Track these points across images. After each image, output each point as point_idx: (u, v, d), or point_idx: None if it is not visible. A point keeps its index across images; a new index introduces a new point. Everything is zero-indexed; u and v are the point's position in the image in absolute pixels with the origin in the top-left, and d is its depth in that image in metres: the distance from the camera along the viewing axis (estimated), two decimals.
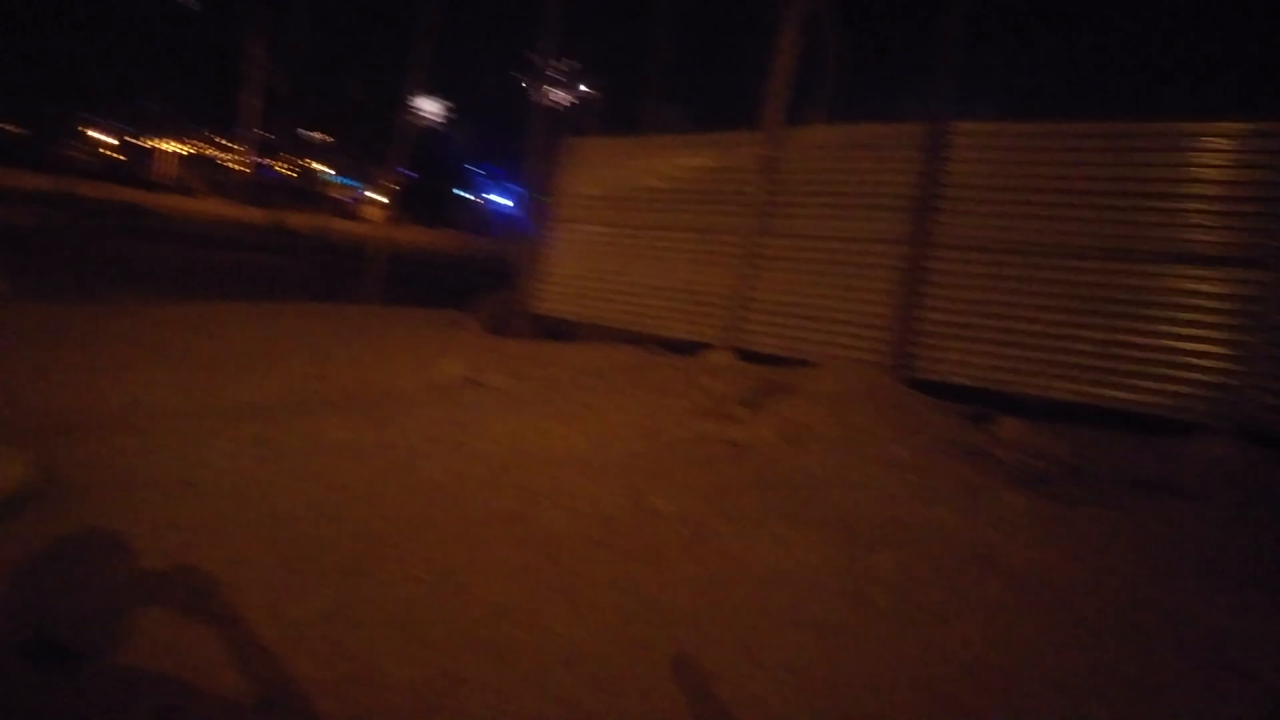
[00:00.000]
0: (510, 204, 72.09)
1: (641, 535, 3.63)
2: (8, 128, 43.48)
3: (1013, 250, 6.68)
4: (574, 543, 3.50)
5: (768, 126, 8.13)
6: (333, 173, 48.53)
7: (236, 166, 55.64)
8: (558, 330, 10.15)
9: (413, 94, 12.55)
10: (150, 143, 63.89)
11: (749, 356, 7.78)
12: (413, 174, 13.35)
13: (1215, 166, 6.04)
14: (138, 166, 61.76)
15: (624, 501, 4.01)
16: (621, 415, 5.44)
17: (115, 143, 58.72)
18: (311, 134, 42.88)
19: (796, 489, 4.32)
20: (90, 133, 46.93)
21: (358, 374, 6.64)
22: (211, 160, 71.57)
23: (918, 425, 5.40)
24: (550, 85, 11.29)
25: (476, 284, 12.30)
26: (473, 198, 71.15)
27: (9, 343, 6.44)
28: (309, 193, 45.75)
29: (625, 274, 9.17)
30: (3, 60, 24.35)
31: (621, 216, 9.28)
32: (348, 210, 50.65)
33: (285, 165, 38.49)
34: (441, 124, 52.08)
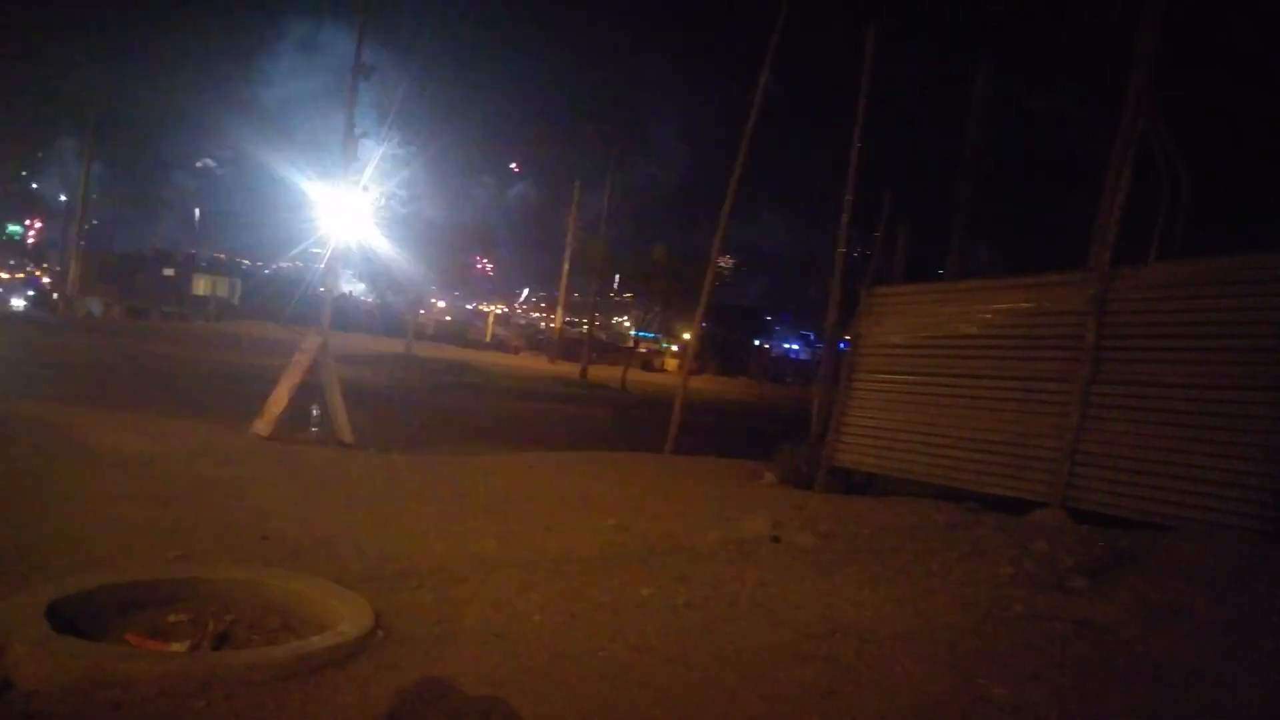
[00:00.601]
0: (802, 350, 72.58)
1: None
2: (367, 300, 50.58)
3: None
4: None
5: (1097, 266, 7.50)
6: (634, 327, 51.50)
7: (550, 324, 60.61)
8: (861, 483, 9.72)
9: (714, 252, 13.00)
10: (477, 306, 71.59)
11: (1084, 517, 6.93)
12: (708, 325, 13.70)
13: None
14: (468, 328, 69.35)
15: (951, 684, 3.55)
16: (938, 581, 4.96)
17: (446, 306, 66.36)
18: (616, 292, 45.99)
19: (1166, 685, 3.64)
20: (433, 301, 53.24)
21: (660, 526, 6.63)
22: (528, 319, 78.80)
23: None
24: (844, 234, 11.27)
25: (772, 433, 12.19)
26: (766, 345, 72.43)
27: (354, 492, 7.09)
28: (614, 346, 48.70)
29: (934, 424, 8.65)
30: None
31: (931, 364, 8.85)
32: (649, 362, 53.26)
33: (592, 321, 41.36)
34: (734, 274, 53.98)
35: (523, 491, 7.65)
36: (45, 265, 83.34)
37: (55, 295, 52.87)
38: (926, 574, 5.10)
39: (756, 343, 67.00)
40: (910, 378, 9.08)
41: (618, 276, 42.88)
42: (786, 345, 75.59)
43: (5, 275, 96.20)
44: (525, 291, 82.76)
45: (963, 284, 9.03)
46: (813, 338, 69.44)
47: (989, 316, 8.34)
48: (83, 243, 44.86)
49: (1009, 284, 8.32)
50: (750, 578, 4.99)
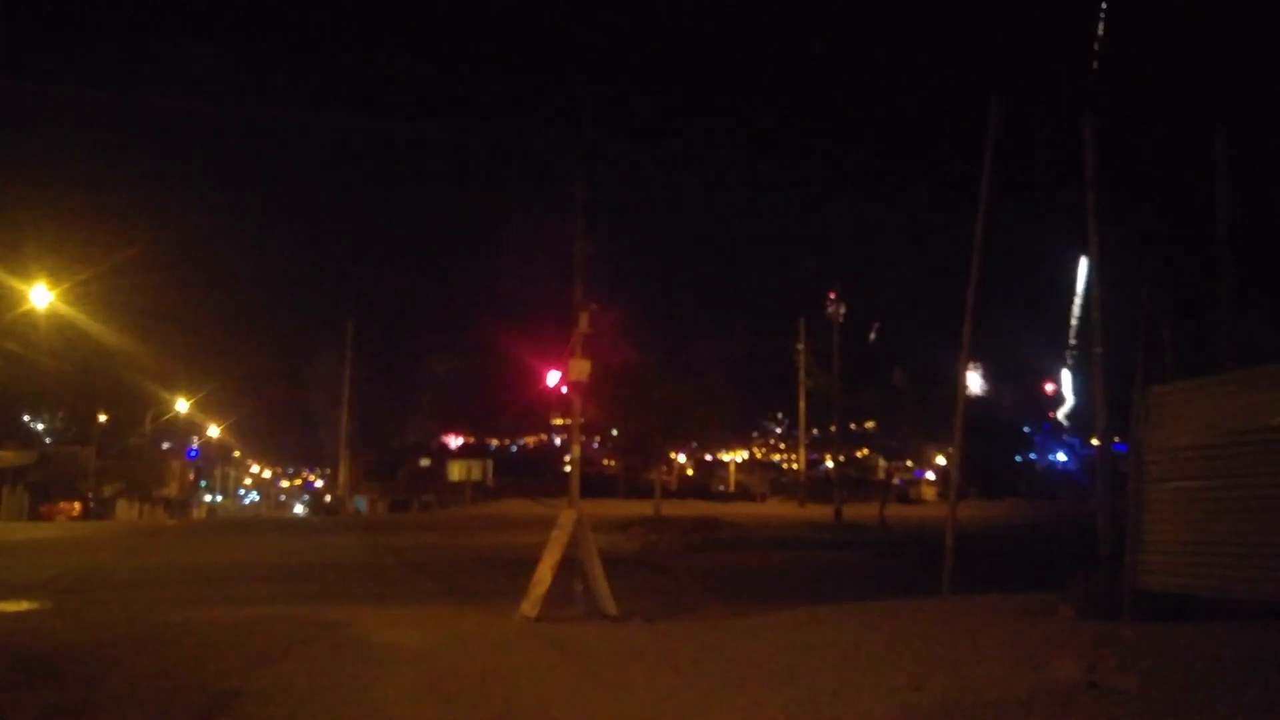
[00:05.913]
0: (1071, 461, 67.02)
1: None
2: (608, 464, 52.15)
3: None
4: None
5: None
6: (883, 459, 49.73)
7: (792, 466, 59.72)
8: (1173, 608, 8.53)
9: (958, 370, 12.42)
10: (716, 456, 71.74)
11: None
12: (964, 446, 12.92)
13: None
14: (708, 478, 69.43)
15: None
16: None
17: (685, 460, 66.92)
18: (858, 424, 44.94)
19: None
20: (670, 455, 53.90)
21: (958, 679, 6.03)
22: (770, 464, 78.05)
23: None
24: (1099, 333, 10.47)
25: (1054, 558, 11.12)
26: (1030, 460, 67.47)
27: (629, 672, 7.00)
28: (862, 482, 47.11)
29: (1251, 531, 7.53)
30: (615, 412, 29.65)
31: (1234, 465, 7.79)
32: (903, 494, 50.86)
33: (837, 458, 40.33)
34: (984, 390, 51.40)
35: (798, 655, 7.25)
36: (317, 469, 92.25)
37: (328, 497, 58.31)
38: None
39: (1018, 458, 62.67)
40: (1211, 482, 8.03)
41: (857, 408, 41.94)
42: (1051, 457, 70.19)
43: (286, 484, 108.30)
44: (762, 436, 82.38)
45: (1263, 370, 8.00)
46: (1078, 445, 64.16)
47: None
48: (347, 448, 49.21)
49: None
50: None
